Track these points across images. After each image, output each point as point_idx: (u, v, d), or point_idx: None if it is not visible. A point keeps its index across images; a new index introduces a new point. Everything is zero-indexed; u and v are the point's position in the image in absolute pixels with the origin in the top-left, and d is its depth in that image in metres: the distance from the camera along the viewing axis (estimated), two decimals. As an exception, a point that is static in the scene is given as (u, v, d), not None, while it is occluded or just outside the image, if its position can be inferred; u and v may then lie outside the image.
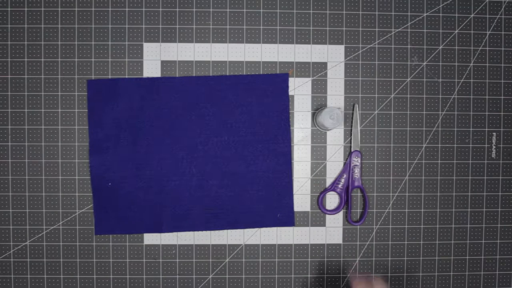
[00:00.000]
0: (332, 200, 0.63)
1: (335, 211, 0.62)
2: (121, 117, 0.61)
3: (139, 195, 0.61)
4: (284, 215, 0.62)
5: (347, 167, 0.62)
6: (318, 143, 0.63)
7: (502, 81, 0.64)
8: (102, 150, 0.61)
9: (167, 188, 0.61)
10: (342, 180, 0.62)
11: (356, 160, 0.62)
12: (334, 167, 0.63)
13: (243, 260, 0.63)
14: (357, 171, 0.62)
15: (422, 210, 0.63)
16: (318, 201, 0.62)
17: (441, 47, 0.63)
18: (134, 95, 0.61)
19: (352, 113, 0.62)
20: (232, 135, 0.62)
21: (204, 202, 0.62)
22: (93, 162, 0.61)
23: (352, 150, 0.62)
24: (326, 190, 0.62)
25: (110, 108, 0.61)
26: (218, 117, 0.61)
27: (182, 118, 0.61)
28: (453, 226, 0.64)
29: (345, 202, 0.62)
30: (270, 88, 0.62)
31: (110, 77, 0.61)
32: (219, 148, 0.62)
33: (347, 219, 0.62)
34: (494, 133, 0.64)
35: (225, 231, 0.62)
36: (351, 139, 0.62)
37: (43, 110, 0.62)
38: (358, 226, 0.63)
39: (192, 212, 0.61)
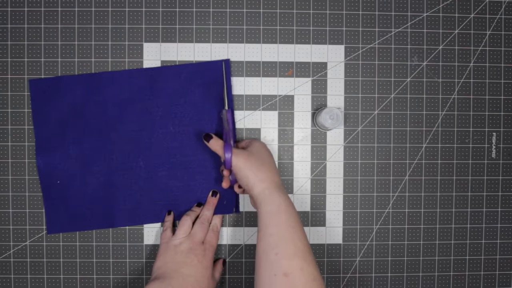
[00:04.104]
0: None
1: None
2: (65, 115, 0.60)
3: (88, 191, 0.61)
4: (229, 202, 0.61)
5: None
6: (318, 143, 0.63)
7: (502, 81, 0.64)
8: (48, 149, 0.60)
9: (116, 183, 0.61)
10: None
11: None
12: (334, 167, 0.63)
13: (243, 260, 0.62)
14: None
15: (422, 210, 0.63)
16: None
17: (441, 47, 0.63)
18: (77, 92, 0.60)
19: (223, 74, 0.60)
20: (177, 126, 0.61)
21: (154, 195, 0.61)
22: (40, 161, 0.60)
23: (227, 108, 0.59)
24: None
25: (54, 106, 0.60)
26: (162, 108, 0.61)
27: (126, 112, 0.61)
28: (453, 226, 0.64)
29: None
30: (211, 75, 0.61)
31: None
32: (165, 139, 0.61)
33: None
34: (494, 133, 0.64)
35: (225, 231, 0.62)
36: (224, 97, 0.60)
37: (43, 110, 0.61)
38: (358, 227, 0.63)
39: (142, 205, 0.61)
